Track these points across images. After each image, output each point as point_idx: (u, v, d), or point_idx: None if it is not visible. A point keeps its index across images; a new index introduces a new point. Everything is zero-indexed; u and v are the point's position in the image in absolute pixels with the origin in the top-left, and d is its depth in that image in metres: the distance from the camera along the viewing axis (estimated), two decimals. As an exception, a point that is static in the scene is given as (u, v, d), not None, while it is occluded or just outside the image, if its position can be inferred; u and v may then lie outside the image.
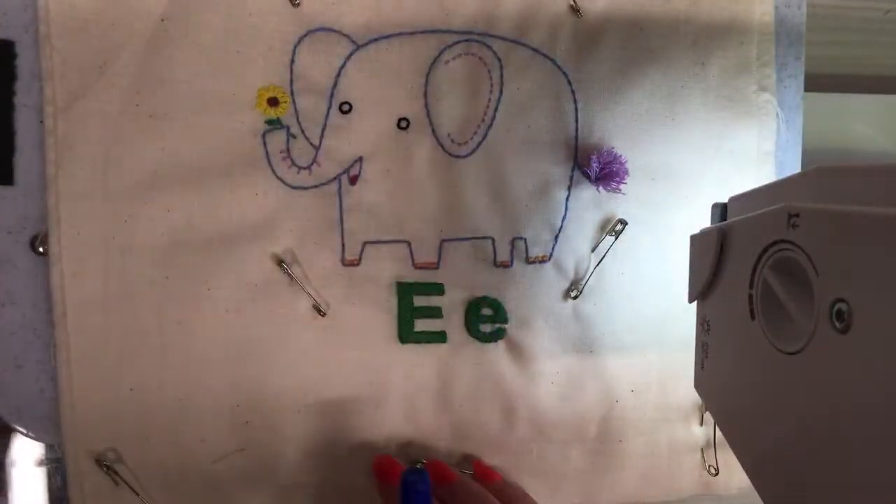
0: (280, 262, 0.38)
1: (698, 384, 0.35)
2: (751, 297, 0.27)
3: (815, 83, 0.44)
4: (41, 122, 0.36)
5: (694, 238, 0.34)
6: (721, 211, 0.34)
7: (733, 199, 0.33)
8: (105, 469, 0.37)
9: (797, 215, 0.23)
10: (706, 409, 0.42)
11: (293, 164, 0.38)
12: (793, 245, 0.24)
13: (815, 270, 0.22)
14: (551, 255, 0.41)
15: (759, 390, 0.27)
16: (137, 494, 0.37)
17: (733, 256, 0.29)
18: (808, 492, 0.23)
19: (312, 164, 0.38)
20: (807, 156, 0.44)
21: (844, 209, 0.21)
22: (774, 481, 0.26)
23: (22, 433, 0.37)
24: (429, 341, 0.40)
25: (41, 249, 0.36)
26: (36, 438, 0.37)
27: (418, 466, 0.35)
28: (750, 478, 0.28)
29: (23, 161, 0.36)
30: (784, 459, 0.25)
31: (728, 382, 0.30)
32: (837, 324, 0.21)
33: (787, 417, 0.24)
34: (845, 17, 0.47)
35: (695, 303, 0.33)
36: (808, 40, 0.43)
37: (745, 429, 0.29)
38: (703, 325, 0.33)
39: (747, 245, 0.27)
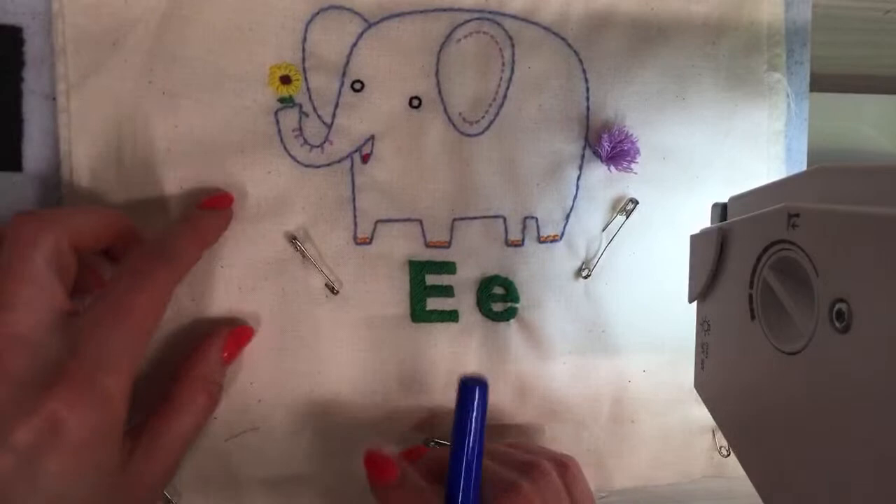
0: (293, 240, 0.38)
1: (698, 384, 0.35)
2: (751, 297, 0.27)
3: (815, 83, 0.44)
4: (50, 108, 0.36)
5: (694, 238, 0.34)
6: (721, 211, 0.34)
7: (733, 199, 0.33)
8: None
9: (797, 215, 0.23)
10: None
11: (305, 142, 0.38)
12: (793, 245, 0.24)
13: (815, 270, 0.22)
14: (563, 234, 0.41)
15: (759, 390, 0.27)
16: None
17: (733, 256, 0.30)
18: (807, 491, 0.23)
19: (325, 142, 0.38)
20: (806, 155, 0.44)
21: (844, 209, 0.21)
22: (774, 481, 0.26)
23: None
24: (441, 320, 0.40)
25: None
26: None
27: (473, 378, 0.31)
28: (750, 477, 0.28)
29: (31, 148, 0.36)
30: (784, 459, 0.25)
31: (728, 382, 0.31)
32: (837, 324, 0.21)
33: (787, 417, 0.24)
34: (846, 17, 0.47)
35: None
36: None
37: (745, 429, 0.29)
38: (703, 325, 0.33)
39: (747, 245, 0.28)
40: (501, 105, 0.39)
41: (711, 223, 0.35)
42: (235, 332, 0.37)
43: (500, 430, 0.41)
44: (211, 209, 0.36)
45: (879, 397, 0.19)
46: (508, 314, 0.40)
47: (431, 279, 0.40)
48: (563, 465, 0.35)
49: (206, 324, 0.37)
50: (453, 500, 0.31)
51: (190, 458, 0.38)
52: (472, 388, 0.31)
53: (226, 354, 0.36)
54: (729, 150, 0.42)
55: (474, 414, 0.31)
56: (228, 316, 0.38)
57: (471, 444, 0.31)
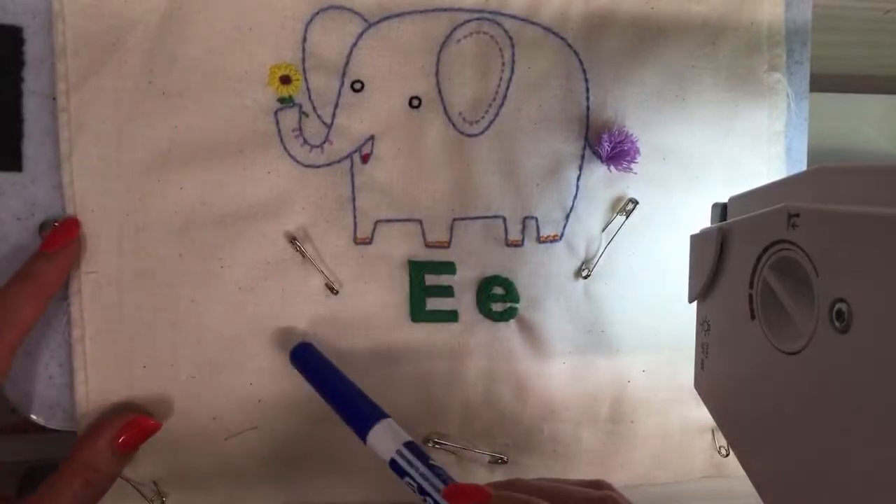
0: (293, 241, 0.38)
1: (698, 384, 0.35)
2: (751, 297, 0.27)
3: (815, 83, 0.44)
4: (50, 108, 0.36)
5: (694, 238, 0.34)
6: (721, 211, 0.34)
7: (733, 199, 0.33)
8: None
9: (797, 215, 0.23)
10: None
11: (305, 142, 0.38)
12: (793, 245, 0.24)
13: (815, 270, 0.22)
14: (562, 234, 0.41)
15: (759, 390, 0.27)
16: (155, 485, 0.38)
17: (733, 256, 0.30)
18: (807, 491, 0.23)
19: (325, 142, 0.38)
20: (806, 155, 0.44)
21: (844, 209, 0.21)
22: (774, 481, 0.26)
23: (32, 419, 0.37)
24: (440, 320, 0.40)
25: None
26: (45, 424, 0.37)
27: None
28: (750, 477, 0.28)
29: (31, 148, 0.36)
30: (784, 459, 0.25)
31: (728, 382, 0.31)
32: (837, 324, 0.21)
33: (787, 417, 0.24)
34: (845, 17, 0.47)
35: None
36: (809, 39, 0.44)
37: (745, 429, 0.29)
38: (703, 325, 0.33)
39: (747, 245, 0.28)
40: (501, 105, 0.39)
41: (711, 223, 0.35)
42: (134, 421, 0.35)
43: (500, 430, 0.41)
44: (48, 251, 0.35)
45: (879, 397, 0.19)
46: (508, 314, 0.40)
47: (431, 279, 0.40)
48: (605, 487, 0.33)
49: (205, 324, 0.37)
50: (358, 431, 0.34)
51: (190, 458, 0.38)
52: (298, 350, 0.36)
53: (120, 442, 0.34)
54: (729, 150, 0.42)
55: (316, 364, 0.36)
56: (228, 316, 0.38)
57: (332, 386, 0.35)
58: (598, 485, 0.33)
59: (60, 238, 0.35)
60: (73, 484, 0.33)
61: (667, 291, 0.41)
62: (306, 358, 0.37)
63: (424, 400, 0.40)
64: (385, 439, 0.33)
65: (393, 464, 0.32)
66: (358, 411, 0.34)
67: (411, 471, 0.31)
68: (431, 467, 0.31)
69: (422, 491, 0.31)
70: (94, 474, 0.34)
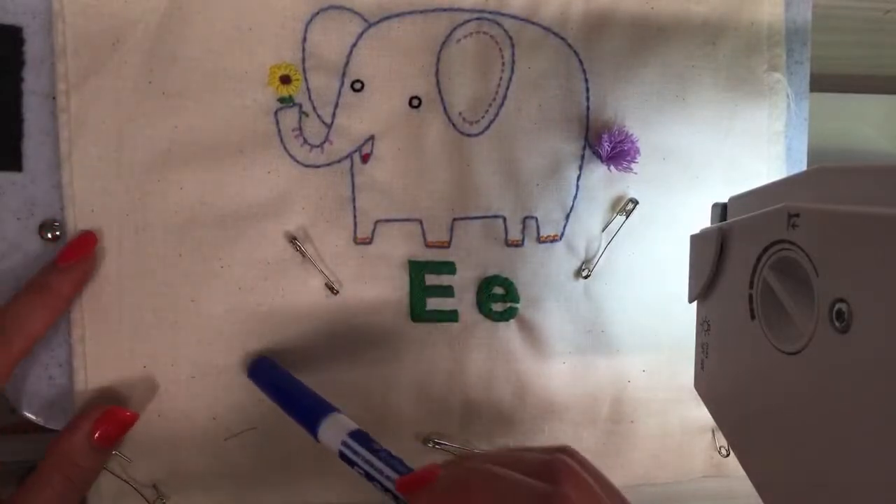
0: (293, 240, 0.38)
1: (698, 384, 0.35)
2: (751, 297, 0.27)
3: (815, 83, 0.44)
4: (50, 108, 0.35)
5: (694, 238, 0.34)
6: (721, 211, 0.34)
7: (733, 199, 0.33)
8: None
9: (797, 215, 0.24)
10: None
11: (305, 142, 0.38)
12: (793, 245, 0.24)
13: (815, 270, 0.22)
14: (562, 234, 0.41)
15: (758, 390, 0.27)
16: (156, 488, 0.38)
17: (733, 256, 0.30)
18: (807, 491, 0.23)
19: (325, 142, 0.38)
20: (806, 155, 0.44)
21: (844, 209, 0.21)
22: (774, 481, 0.26)
23: (32, 419, 0.37)
24: (440, 320, 0.40)
25: (49, 235, 0.36)
26: (45, 424, 0.37)
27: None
28: (750, 477, 0.28)
29: (31, 148, 0.36)
30: (784, 459, 0.25)
31: (728, 382, 0.31)
32: (837, 324, 0.21)
33: (787, 417, 0.24)
34: (845, 17, 0.47)
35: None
36: (808, 39, 0.44)
37: (745, 429, 0.29)
38: (703, 325, 0.33)
39: (747, 245, 0.28)
40: (501, 105, 0.39)
41: (711, 223, 0.35)
42: (109, 413, 0.34)
43: (500, 430, 0.41)
44: (64, 264, 0.34)
45: (879, 397, 0.19)
46: (508, 314, 0.40)
47: (431, 279, 0.40)
48: (565, 452, 0.31)
49: (205, 323, 0.37)
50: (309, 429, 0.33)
51: (189, 458, 0.38)
52: (257, 364, 0.37)
53: (97, 436, 0.34)
54: (729, 150, 0.42)
55: (271, 377, 0.36)
56: (228, 316, 0.38)
57: (285, 394, 0.35)
58: (560, 450, 0.30)
59: (77, 252, 0.35)
60: (53, 480, 0.32)
61: (667, 291, 0.41)
62: (261, 373, 0.37)
63: (424, 400, 0.40)
64: (332, 432, 0.32)
65: (342, 455, 0.31)
66: (307, 410, 0.34)
67: (356, 459, 0.31)
68: (376, 452, 0.31)
69: (369, 477, 0.30)
70: (74, 469, 0.33)
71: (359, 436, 0.32)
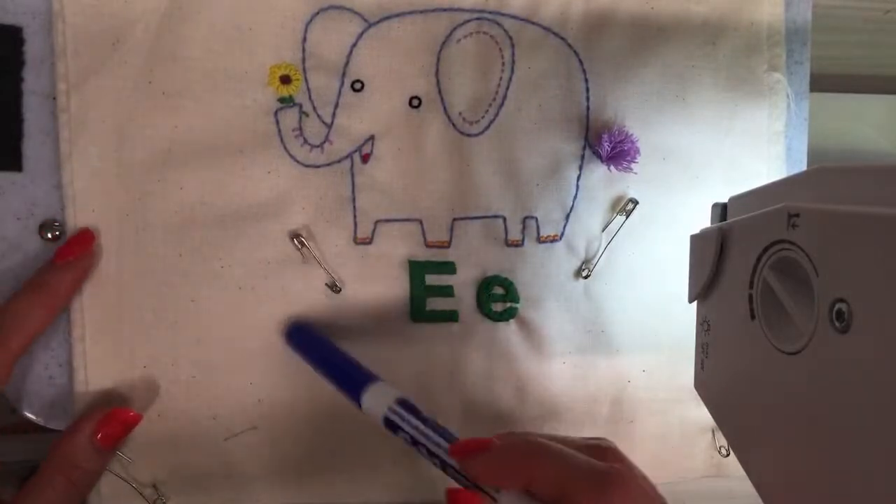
0: (293, 240, 0.38)
1: (698, 384, 0.35)
2: (751, 297, 0.27)
3: (815, 83, 0.44)
4: (50, 108, 0.36)
5: (694, 238, 0.34)
6: (721, 211, 0.34)
7: (733, 199, 0.33)
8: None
9: (797, 215, 0.24)
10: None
11: (305, 142, 0.38)
12: (793, 245, 0.24)
13: (815, 270, 0.22)
14: (562, 234, 0.41)
15: (759, 390, 0.27)
16: (156, 488, 0.38)
17: (733, 256, 0.30)
18: (807, 491, 0.23)
19: (325, 142, 0.38)
20: (806, 155, 0.44)
21: (844, 209, 0.21)
22: (774, 481, 0.26)
23: (32, 419, 0.37)
24: (440, 320, 0.40)
25: (49, 235, 0.36)
26: (45, 424, 0.37)
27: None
28: (750, 477, 0.28)
29: (31, 148, 0.36)
30: (784, 459, 0.25)
31: (728, 382, 0.31)
32: (837, 324, 0.21)
33: (787, 417, 0.24)
34: (845, 17, 0.47)
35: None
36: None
37: (745, 429, 0.29)
38: (703, 325, 0.33)
39: (747, 245, 0.28)
40: (501, 105, 0.39)
41: (711, 223, 0.35)
42: (112, 414, 0.34)
43: (500, 430, 0.40)
44: (62, 262, 0.35)
45: (879, 397, 0.19)
46: (508, 314, 0.40)
47: (431, 279, 0.40)
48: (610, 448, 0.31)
49: (205, 323, 0.37)
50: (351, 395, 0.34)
51: (189, 458, 0.38)
52: (292, 331, 0.37)
53: (99, 437, 0.34)
54: (729, 150, 0.42)
55: (310, 342, 0.37)
56: (228, 316, 0.38)
57: (326, 361, 0.36)
58: (602, 450, 0.30)
59: (75, 249, 0.35)
60: (55, 482, 0.32)
61: (667, 291, 0.41)
62: (300, 338, 0.37)
63: (424, 400, 0.40)
64: (378, 399, 0.33)
65: (387, 421, 0.32)
66: (350, 378, 0.34)
67: (403, 424, 0.31)
68: (424, 419, 0.31)
69: (415, 443, 0.31)
70: (76, 471, 0.33)
71: (405, 404, 0.32)
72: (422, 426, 0.31)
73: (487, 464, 0.28)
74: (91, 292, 0.36)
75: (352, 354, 0.39)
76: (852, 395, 0.20)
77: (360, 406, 0.33)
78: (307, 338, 0.37)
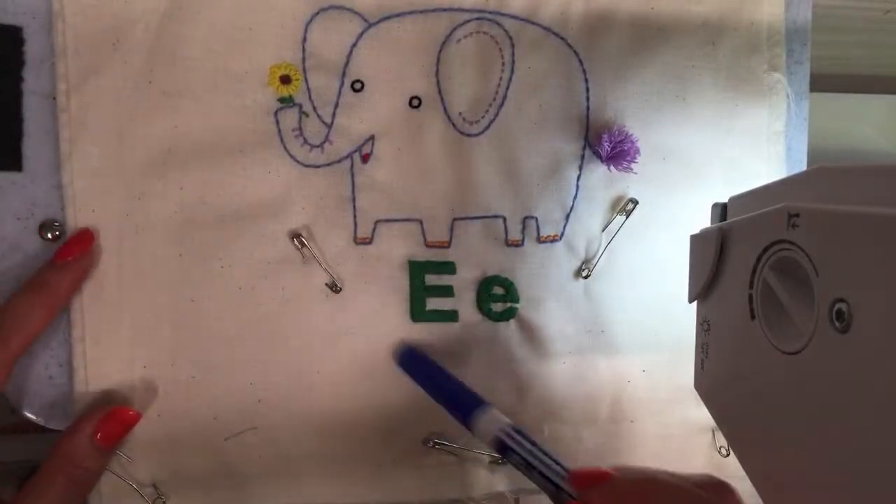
0: (293, 240, 0.38)
1: (698, 384, 0.35)
2: (751, 297, 0.27)
3: (815, 83, 0.44)
4: (50, 108, 0.35)
5: (694, 238, 0.34)
6: (721, 211, 0.34)
7: (733, 199, 0.33)
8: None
9: (797, 215, 0.24)
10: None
11: (305, 142, 0.38)
12: (793, 245, 0.24)
13: (815, 270, 0.22)
14: (562, 234, 0.41)
15: (759, 390, 0.27)
16: (156, 488, 0.38)
17: (733, 256, 0.30)
18: (807, 491, 0.23)
19: (325, 142, 0.38)
20: (806, 155, 0.44)
21: (844, 209, 0.21)
22: (774, 481, 0.26)
23: (32, 419, 0.37)
24: (440, 320, 0.40)
25: (49, 235, 0.36)
26: (45, 424, 0.37)
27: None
28: (750, 477, 0.28)
29: (31, 148, 0.36)
30: (784, 459, 0.25)
31: (728, 382, 0.31)
32: (837, 324, 0.21)
33: (787, 417, 0.24)
34: (846, 17, 0.47)
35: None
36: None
37: (745, 429, 0.29)
38: (703, 325, 0.33)
39: (747, 245, 0.28)
40: (501, 105, 0.39)
41: (711, 223, 0.35)
42: (112, 414, 0.34)
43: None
44: (62, 262, 0.35)
45: (879, 397, 0.19)
46: (508, 314, 0.40)
47: (431, 279, 0.40)
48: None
49: (205, 323, 0.37)
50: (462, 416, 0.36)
51: (189, 458, 0.38)
52: (407, 354, 0.39)
53: (99, 436, 0.34)
54: (729, 150, 0.42)
55: (425, 366, 0.38)
56: (228, 316, 0.38)
57: (440, 382, 0.37)
58: (718, 486, 0.30)
59: (74, 249, 0.35)
60: (55, 482, 0.32)
61: (667, 291, 0.41)
62: (411, 361, 0.39)
63: (424, 400, 0.40)
64: (490, 423, 0.35)
65: (500, 443, 0.34)
66: (461, 401, 0.36)
67: (519, 448, 0.33)
68: (536, 445, 0.33)
69: (529, 466, 0.33)
70: (77, 470, 0.33)
71: (518, 430, 0.34)
72: (536, 451, 0.33)
73: (607, 495, 0.29)
74: (91, 292, 0.36)
75: (352, 354, 0.39)
76: (852, 395, 0.20)
77: (468, 427, 0.35)
78: (418, 362, 0.38)
